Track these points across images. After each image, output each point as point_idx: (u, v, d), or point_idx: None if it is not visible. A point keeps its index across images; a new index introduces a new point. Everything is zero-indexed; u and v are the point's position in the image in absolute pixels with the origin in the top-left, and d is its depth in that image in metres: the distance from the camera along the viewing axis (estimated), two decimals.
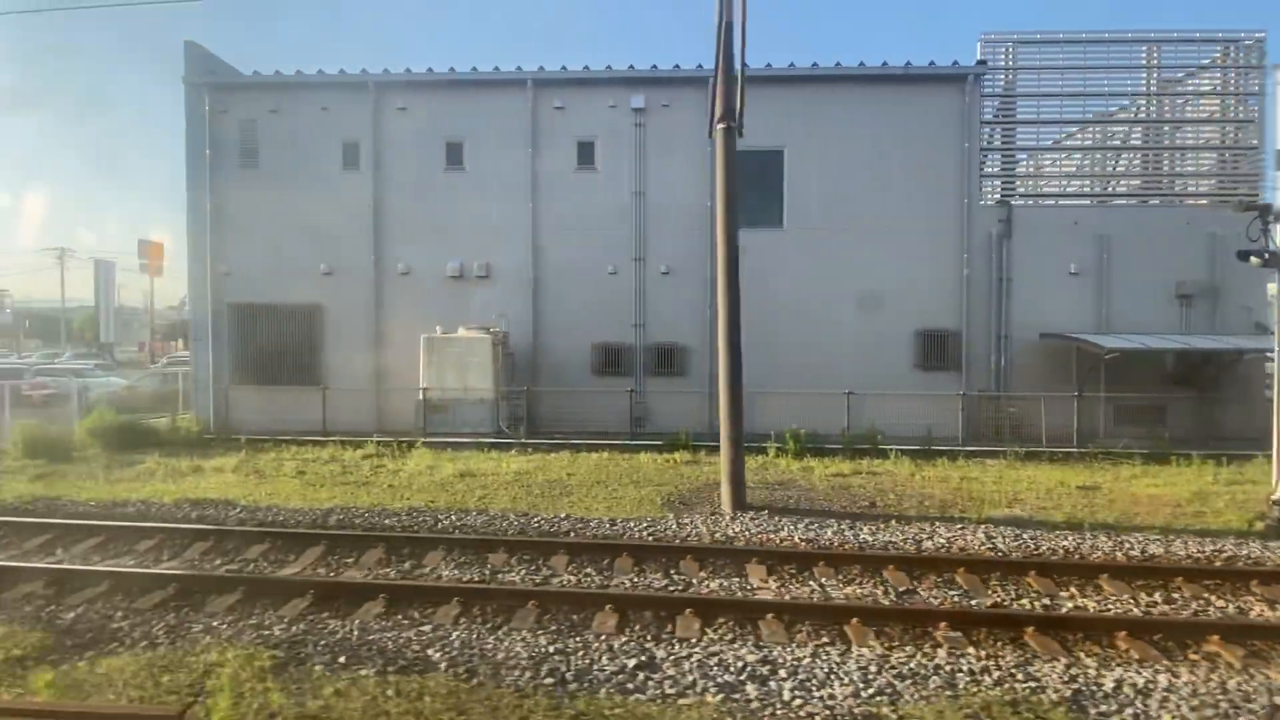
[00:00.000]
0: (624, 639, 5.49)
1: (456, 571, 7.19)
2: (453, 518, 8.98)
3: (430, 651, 5.19)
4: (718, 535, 8.36)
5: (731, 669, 4.96)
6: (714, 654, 5.21)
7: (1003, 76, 17.00)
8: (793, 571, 7.15)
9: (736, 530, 8.53)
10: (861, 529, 8.60)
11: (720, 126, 9.21)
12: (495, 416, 15.67)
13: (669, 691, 4.66)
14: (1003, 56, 16.94)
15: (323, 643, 5.30)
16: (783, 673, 4.90)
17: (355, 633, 5.51)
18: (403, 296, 17.58)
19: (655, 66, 16.97)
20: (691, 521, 8.86)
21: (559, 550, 7.61)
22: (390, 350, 17.55)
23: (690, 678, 4.85)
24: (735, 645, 5.38)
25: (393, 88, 17.36)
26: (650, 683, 4.77)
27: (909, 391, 16.18)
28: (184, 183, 17.64)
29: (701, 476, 11.68)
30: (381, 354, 17.56)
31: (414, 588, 6.54)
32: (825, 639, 5.63)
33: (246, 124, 17.64)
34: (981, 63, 16.63)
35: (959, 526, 8.67)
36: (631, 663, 5.04)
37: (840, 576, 7.03)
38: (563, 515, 9.06)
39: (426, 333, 16.90)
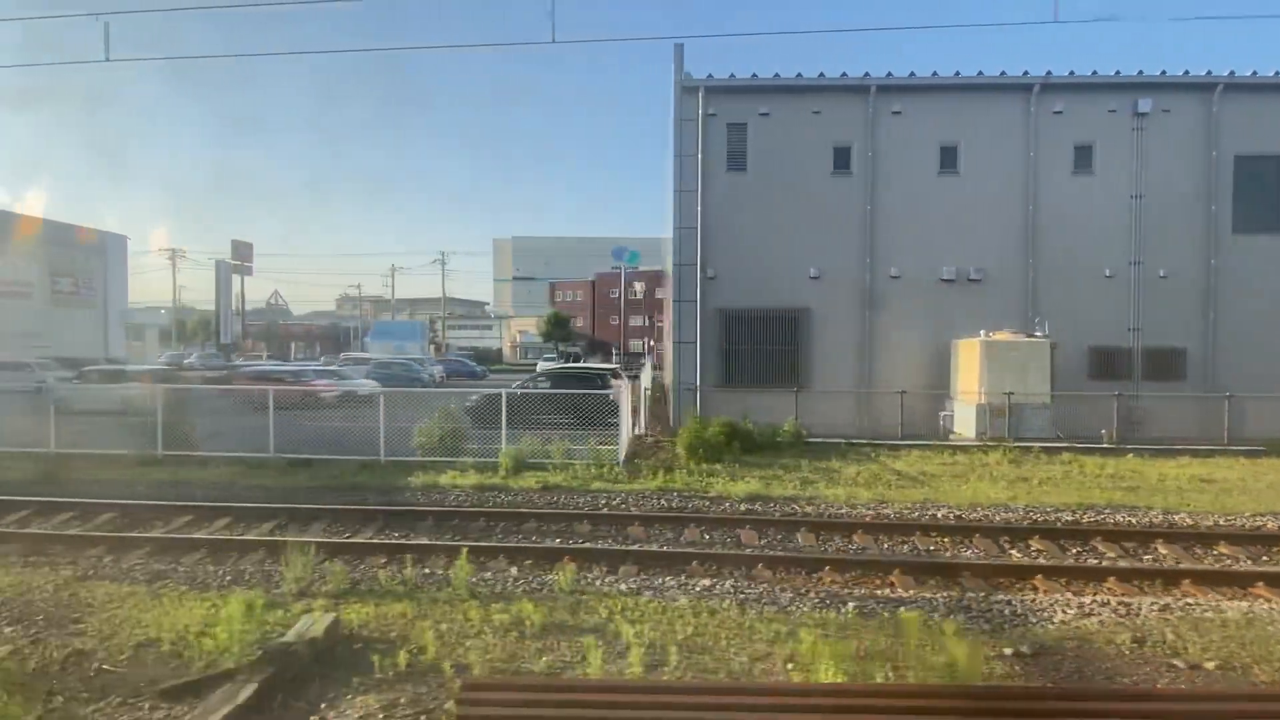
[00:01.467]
0: None
1: None
2: None
3: None
4: None
5: None
6: None
7: None
8: None
9: None
10: None
11: None
12: (1053, 421, 15.56)
13: None
14: None
15: None
16: None
17: None
18: (892, 300, 17.45)
19: (1164, 72, 17.04)
20: None
21: None
22: (879, 353, 17.44)
23: None
24: None
25: (889, 91, 17.29)
26: None
27: None
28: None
29: None
30: (871, 357, 17.43)
31: None
32: None
33: (736, 127, 17.51)
34: None
35: None
36: None
37: None
38: None
39: (916, 338, 17.18)
